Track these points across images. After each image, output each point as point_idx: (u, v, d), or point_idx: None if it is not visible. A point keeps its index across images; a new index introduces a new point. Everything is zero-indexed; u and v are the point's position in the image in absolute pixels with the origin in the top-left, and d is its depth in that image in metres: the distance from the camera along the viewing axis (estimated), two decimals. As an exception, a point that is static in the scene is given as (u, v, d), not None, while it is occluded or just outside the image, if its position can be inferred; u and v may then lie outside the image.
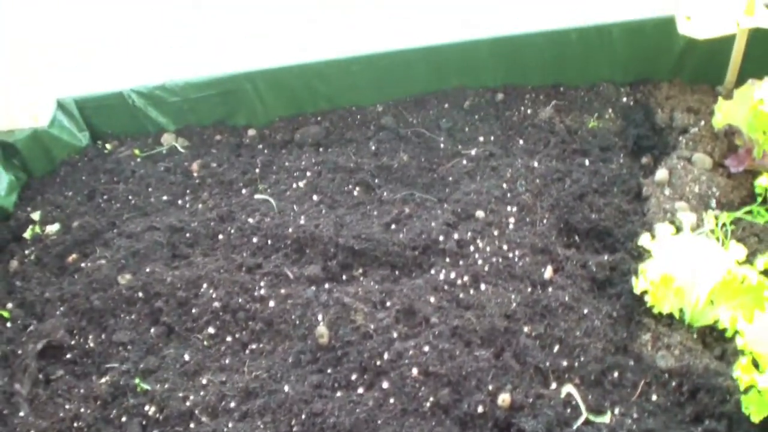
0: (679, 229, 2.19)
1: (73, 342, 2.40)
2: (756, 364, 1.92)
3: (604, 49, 2.83)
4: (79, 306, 2.48)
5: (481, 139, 2.79)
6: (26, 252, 2.70)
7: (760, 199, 2.43)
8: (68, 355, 2.37)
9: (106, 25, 2.86)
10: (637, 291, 2.21)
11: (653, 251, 2.16)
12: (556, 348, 2.16)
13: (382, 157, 2.79)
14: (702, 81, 2.80)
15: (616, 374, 2.09)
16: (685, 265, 2.13)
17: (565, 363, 2.12)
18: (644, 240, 2.19)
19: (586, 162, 2.67)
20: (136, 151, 2.97)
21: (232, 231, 2.63)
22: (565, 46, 2.84)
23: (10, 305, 2.52)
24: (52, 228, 2.76)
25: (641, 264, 2.23)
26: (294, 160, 2.83)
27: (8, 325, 2.46)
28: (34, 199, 2.88)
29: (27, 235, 2.76)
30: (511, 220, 2.52)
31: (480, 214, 2.54)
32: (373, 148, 2.84)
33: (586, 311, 2.24)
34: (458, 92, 2.93)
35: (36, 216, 2.80)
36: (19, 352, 2.36)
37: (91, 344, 2.39)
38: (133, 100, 2.94)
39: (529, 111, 2.85)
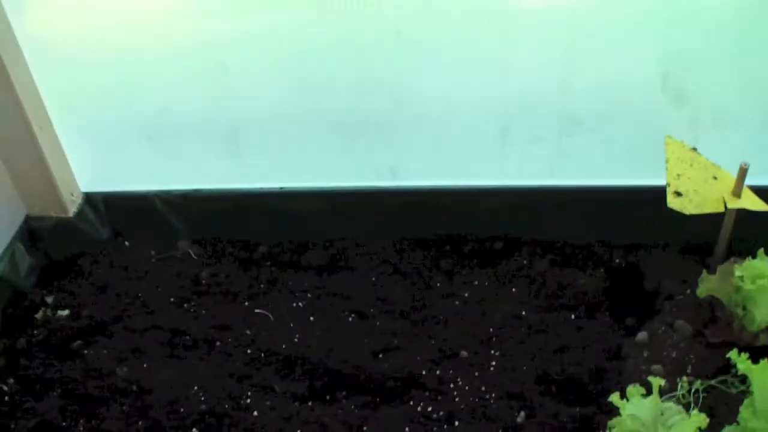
0: (650, 392, 2.28)
1: (64, 424, 2.51)
2: None
3: (601, 210, 2.95)
4: (75, 390, 2.61)
5: (476, 283, 2.92)
6: (35, 332, 2.85)
7: (734, 371, 2.51)
8: (57, 437, 2.49)
9: (136, 123, 3.03)
10: (603, 446, 2.32)
11: (622, 409, 2.25)
12: (519, 492, 2.26)
13: (381, 289, 2.93)
14: (694, 251, 2.89)
15: None
16: (649, 426, 2.23)
17: (525, 508, 2.22)
18: (614, 398, 2.28)
19: (572, 317, 2.78)
20: (152, 252, 3.13)
21: (230, 340, 2.76)
22: (564, 205, 2.97)
23: (11, 380, 2.66)
24: (63, 313, 2.91)
25: (611, 420, 2.33)
26: (297, 281, 2.98)
27: (6, 398, 2.59)
28: (50, 284, 3.03)
29: (38, 316, 2.90)
30: (493, 363, 2.63)
31: (464, 354, 2.66)
32: (373, 279, 2.97)
33: (552, 459, 2.34)
34: (460, 237, 3.06)
35: (49, 300, 2.96)
36: (12, 426, 2.49)
37: (81, 429, 2.50)
38: (156, 203, 3.10)
39: (524, 262, 2.98)
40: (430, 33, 2.73)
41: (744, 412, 2.21)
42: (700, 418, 2.16)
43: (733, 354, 2.24)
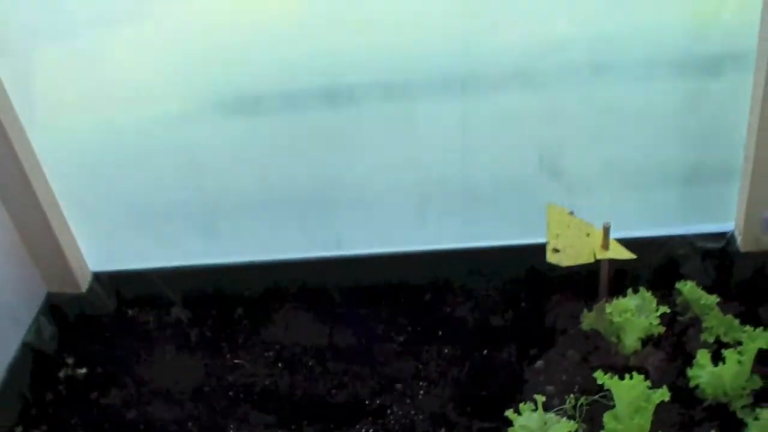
0: (538, 407, 2.91)
1: (88, 458, 3.15)
2: None
3: (506, 265, 3.61)
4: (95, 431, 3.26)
5: (409, 329, 3.58)
6: (59, 387, 3.49)
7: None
8: (82, 474, 3.12)
9: (131, 211, 3.63)
10: (502, 453, 2.92)
11: (515, 421, 2.89)
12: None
13: (335, 337, 3.58)
14: (585, 292, 3.46)
15: None
16: (535, 433, 2.88)
17: None
18: (509, 413, 2.88)
19: (485, 352, 3.42)
20: (151, 318, 3.79)
21: (214, 384, 3.41)
22: (478, 261, 3.63)
23: (44, 427, 3.32)
24: (81, 371, 3.56)
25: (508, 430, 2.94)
26: (268, 335, 3.63)
27: (39, 442, 3.24)
28: (69, 347, 3.67)
29: (61, 374, 3.55)
30: (421, 392, 3.29)
31: (399, 386, 3.32)
32: (328, 330, 3.63)
33: (463, 469, 2.96)
34: (396, 290, 3.71)
35: (70, 360, 3.60)
36: (47, 463, 3.13)
37: (102, 461, 3.15)
38: (154, 279, 3.76)
39: (448, 309, 3.64)
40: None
41: (607, 418, 2.84)
42: (570, 425, 2.82)
43: (598, 374, 2.82)
